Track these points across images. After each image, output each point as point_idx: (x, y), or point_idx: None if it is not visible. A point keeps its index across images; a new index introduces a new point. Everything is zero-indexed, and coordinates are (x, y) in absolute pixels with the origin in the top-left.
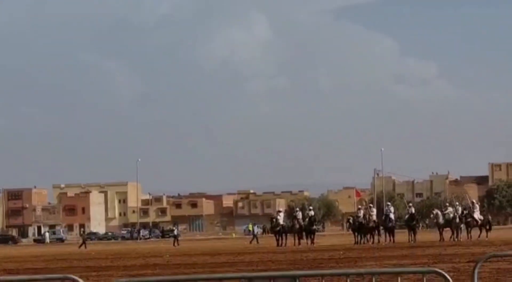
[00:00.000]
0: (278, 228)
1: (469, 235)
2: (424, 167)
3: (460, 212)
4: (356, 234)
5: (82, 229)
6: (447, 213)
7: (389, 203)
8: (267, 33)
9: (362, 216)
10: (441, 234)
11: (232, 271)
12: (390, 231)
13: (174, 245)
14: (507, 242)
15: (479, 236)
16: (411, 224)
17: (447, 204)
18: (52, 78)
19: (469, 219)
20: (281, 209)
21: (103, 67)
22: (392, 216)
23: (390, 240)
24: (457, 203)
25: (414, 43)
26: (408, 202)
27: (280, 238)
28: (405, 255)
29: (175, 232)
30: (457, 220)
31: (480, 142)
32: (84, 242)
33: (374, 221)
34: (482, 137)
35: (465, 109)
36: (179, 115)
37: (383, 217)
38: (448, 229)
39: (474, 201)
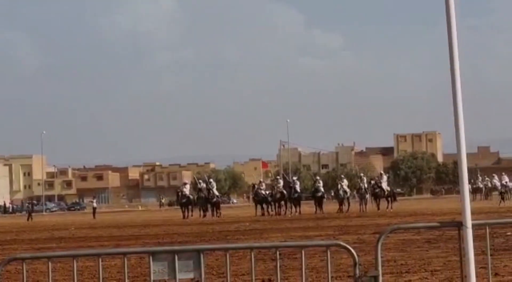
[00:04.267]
0: (184, 200)
1: (378, 206)
2: (330, 139)
3: (365, 183)
4: (258, 205)
5: (29, 202)
6: (341, 187)
7: (295, 177)
8: (173, 4)
9: (264, 187)
10: (340, 205)
11: (137, 244)
12: (296, 202)
13: (94, 217)
14: (411, 213)
15: (387, 207)
16: (317, 196)
17: (343, 176)
18: None
19: (377, 190)
20: (186, 181)
21: (5, 39)
22: (297, 187)
23: (296, 211)
24: (362, 174)
25: (320, 15)
26: (315, 174)
27: (186, 210)
28: (310, 227)
29: (94, 204)
30: (363, 191)
31: (386, 113)
32: None
33: (280, 192)
34: (388, 109)
35: (371, 81)
36: (83, 88)
37: (289, 188)
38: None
39: (382, 172)
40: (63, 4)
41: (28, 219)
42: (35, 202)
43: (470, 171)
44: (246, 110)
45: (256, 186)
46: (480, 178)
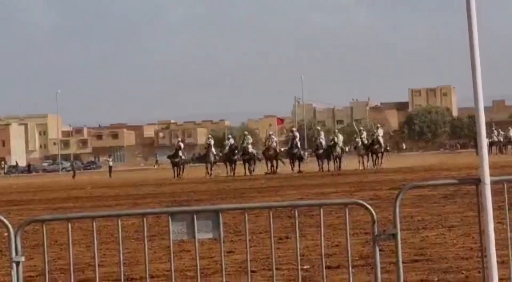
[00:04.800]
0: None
1: (375, 162)
2: (345, 94)
3: (365, 138)
4: (268, 162)
5: (72, 160)
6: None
7: (319, 128)
8: None
9: (275, 140)
10: (360, 161)
11: (154, 202)
12: (296, 158)
13: (110, 176)
14: (427, 168)
15: (379, 163)
16: (334, 152)
17: (336, 131)
18: None
19: (376, 146)
20: (210, 138)
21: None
22: (298, 142)
23: (293, 167)
24: (362, 128)
25: None
26: (334, 131)
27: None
28: (326, 184)
29: (110, 163)
30: (360, 146)
31: (400, 68)
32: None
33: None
34: (402, 64)
35: (385, 36)
36: (97, 47)
37: (316, 145)
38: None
39: (378, 125)
40: None
41: (73, 177)
42: (74, 161)
43: (485, 125)
44: (261, 67)
45: (266, 140)
46: (495, 132)
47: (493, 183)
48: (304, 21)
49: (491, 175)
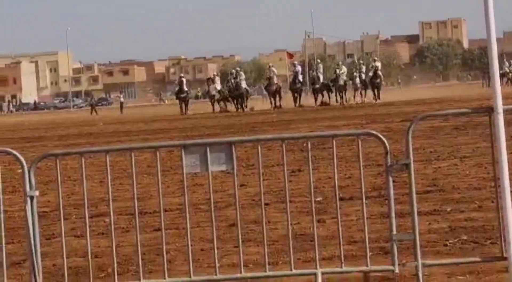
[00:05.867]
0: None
1: (378, 96)
2: (355, 27)
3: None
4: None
5: (92, 96)
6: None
7: (319, 61)
8: None
9: (275, 74)
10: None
11: (166, 137)
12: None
13: (121, 112)
14: (438, 100)
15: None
16: (339, 85)
17: (340, 63)
18: None
19: (377, 80)
20: (215, 73)
21: None
22: (300, 76)
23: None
24: (362, 62)
25: None
26: (337, 64)
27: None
28: (337, 116)
29: (121, 99)
30: (377, 80)
31: (410, 1)
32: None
33: (300, 82)
34: None
35: None
36: None
37: (312, 78)
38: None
39: (375, 58)
40: None
41: (91, 113)
42: (93, 96)
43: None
44: (270, 1)
45: (267, 74)
46: (506, 63)
47: (506, 112)
48: None
49: (506, 105)
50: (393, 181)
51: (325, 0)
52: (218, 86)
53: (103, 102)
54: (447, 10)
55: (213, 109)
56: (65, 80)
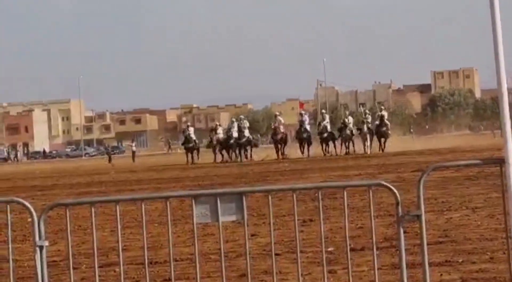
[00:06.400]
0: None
1: (383, 146)
2: (367, 77)
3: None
4: (276, 147)
5: (107, 144)
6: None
7: (324, 111)
8: None
9: (281, 123)
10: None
11: (178, 186)
12: (304, 142)
13: (133, 160)
14: (451, 150)
15: (380, 148)
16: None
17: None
18: None
19: (383, 129)
20: (217, 123)
21: None
22: (307, 126)
23: (303, 151)
24: (368, 111)
25: None
26: (344, 113)
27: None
28: (350, 166)
29: (133, 148)
30: (367, 129)
31: (423, 50)
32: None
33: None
34: (425, 46)
35: (407, 18)
36: (119, 32)
37: (320, 128)
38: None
39: (382, 106)
40: None
41: (109, 162)
42: (109, 145)
43: (508, 106)
44: (283, 50)
45: (273, 124)
46: None
47: None
48: (325, 2)
49: None
50: (405, 232)
51: (337, 49)
52: (220, 136)
53: (115, 151)
54: (459, 60)
55: (215, 159)
56: (77, 129)
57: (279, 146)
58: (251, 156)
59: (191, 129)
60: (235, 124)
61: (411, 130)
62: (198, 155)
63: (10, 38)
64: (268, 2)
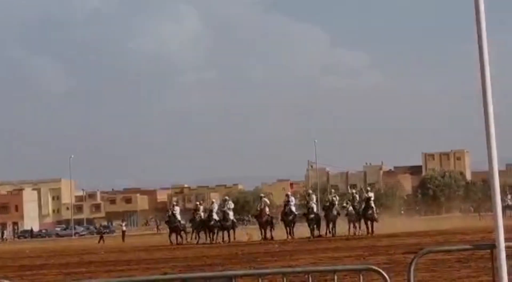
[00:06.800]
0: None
1: (371, 229)
2: (358, 158)
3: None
4: (261, 228)
5: (100, 224)
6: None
7: (310, 191)
8: (197, 25)
9: (266, 207)
10: (350, 227)
11: (167, 267)
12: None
13: (123, 240)
14: (441, 232)
15: (368, 232)
16: (330, 215)
17: (310, 192)
18: None
19: (369, 212)
20: (198, 203)
21: (31, 63)
22: (292, 207)
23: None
24: (354, 191)
25: (345, 33)
26: (330, 192)
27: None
28: (340, 247)
29: (123, 228)
30: (370, 211)
31: (413, 132)
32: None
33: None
34: (415, 128)
35: (397, 100)
36: (109, 111)
37: (307, 209)
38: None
39: (368, 188)
40: (87, 29)
41: (99, 242)
42: (101, 224)
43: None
44: (273, 131)
45: (259, 208)
46: (509, 196)
47: (508, 248)
48: (317, 84)
49: (508, 242)
50: None
51: (328, 130)
52: (202, 216)
53: (105, 231)
54: (451, 142)
55: (197, 239)
56: (67, 208)
57: (265, 227)
58: (234, 238)
59: (177, 209)
60: (215, 205)
61: (402, 212)
62: (184, 235)
63: (1, 118)
64: (258, 82)
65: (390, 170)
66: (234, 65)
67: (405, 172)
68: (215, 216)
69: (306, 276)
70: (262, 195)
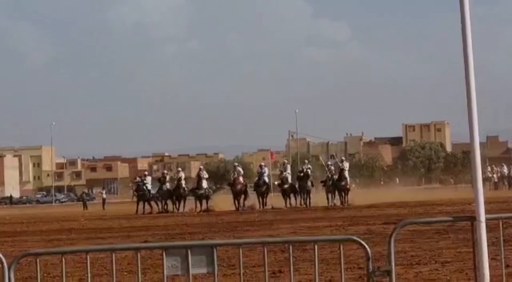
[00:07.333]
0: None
1: (344, 199)
2: (339, 129)
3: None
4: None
5: (83, 191)
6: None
7: (286, 161)
8: None
9: (240, 177)
10: (328, 198)
11: (147, 235)
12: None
13: (103, 208)
14: (421, 203)
15: (343, 202)
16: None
17: (306, 161)
18: None
19: (343, 183)
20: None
21: (14, 31)
22: (265, 177)
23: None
24: (330, 163)
25: (327, 4)
26: (305, 161)
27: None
28: (319, 217)
29: (103, 195)
30: (343, 182)
31: (394, 103)
32: None
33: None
34: (396, 99)
35: (379, 71)
36: (91, 79)
37: (281, 179)
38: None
39: (343, 157)
40: None
41: (84, 209)
42: (84, 191)
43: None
44: (255, 101)
45: (232, 177)
46: (489, 168)
47: (488, 220)
48: (299, 55)
49: (488, 214)
50: None
51: (309, 100)
52: (169, 186)
53: (87, 198)
54: (431, 113)
55: (165, 208)
56: (48, 175)
57: (239, 196)
58: (207, 207)
59: (148, 179)
60: (181, 174)
61: (382, 182)
62: (154, 204)
63: None
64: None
65: (371, 140)
66: (215, 36)
67: (386, 143)
68: (183, 185)
69: (287, 245)
70: (236, 163)
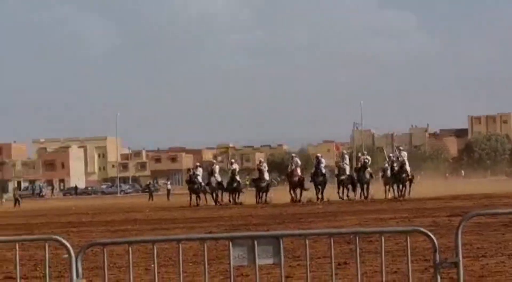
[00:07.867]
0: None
1: (401, 192)
2: (404, 120)
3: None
4: (291, 191)
5: (149, 182)
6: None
7: (345, 151)
8: None
9: (298, 168)
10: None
11: (212, 226)
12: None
13: (168, 199)
14: (486, 195)
15: (401, 195)
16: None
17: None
18: (28, 32)
19: (403, 175)
20: (214, 161)
21: (79, 20)
22: (323, 168)
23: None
24: (392, 155)
25: None
26: (363, 153)
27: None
28: (384, 209)
29: (168, 186)
30: (403, 175)
31: (460, 95)
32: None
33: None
34: (462, 90)
35: (445, 62)
36: (157, 69)
37: (338, 170)
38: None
39: (400, 147)
40: None
41: (149, 199)
42: (150, 182)
43: None
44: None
45: (290, 169)
46: None
47: None
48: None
49: None
50: (440, 277)
51: (374, 92)
52: (219, 178)
53: (153, 188)
54: (497, 105)
55: (215, 201)
56: (113, 166)
57: (296, 188)
58: (266, 200)
59: (200, 171)
60: (216, 167)
61: (447, 174)
62: (205, 197)
63: (49, 75)
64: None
65: (436, 132)
66: (280, 27)
67: (451, 135)
68: (237, 178)
69: (352, 237)
70: (294, 154)
